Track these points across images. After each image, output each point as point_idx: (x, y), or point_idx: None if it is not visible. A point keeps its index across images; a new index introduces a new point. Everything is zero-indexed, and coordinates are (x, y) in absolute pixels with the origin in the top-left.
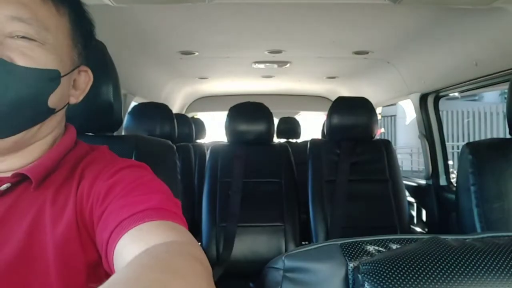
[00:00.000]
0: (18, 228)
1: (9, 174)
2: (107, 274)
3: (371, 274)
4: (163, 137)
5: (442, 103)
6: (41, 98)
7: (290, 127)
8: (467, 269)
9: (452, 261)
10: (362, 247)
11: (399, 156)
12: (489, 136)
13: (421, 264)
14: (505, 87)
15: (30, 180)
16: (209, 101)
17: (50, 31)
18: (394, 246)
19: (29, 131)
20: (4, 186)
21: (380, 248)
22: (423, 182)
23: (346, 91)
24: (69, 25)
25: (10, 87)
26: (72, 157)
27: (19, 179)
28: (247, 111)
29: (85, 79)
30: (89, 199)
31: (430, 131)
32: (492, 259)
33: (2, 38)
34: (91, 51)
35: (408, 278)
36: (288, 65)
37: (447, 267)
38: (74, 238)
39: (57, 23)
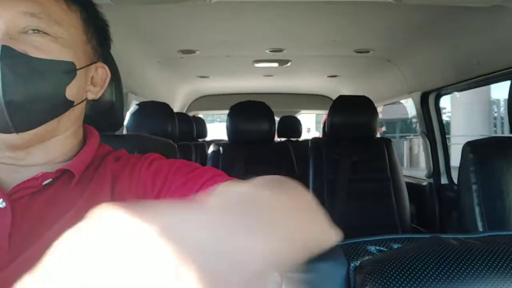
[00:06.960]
0: (58, 220)
1: (38, 170)
2: None
3: (372, 274)
4: (164, 136)
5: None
6: (59, 90)
7: (291, 126)
8: (468, 268)
9: (453, 260)
10: (363, 247)
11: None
12: None
13: (422, 264)
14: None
15: (68, 175)
16: (210, 100)
17: (62, 26)
18: (395, 246)
19: (48, 124)
20: (46, 181)
21: (382, 248)
22: (424, 180)
23: (347, 90)
24: (81, 21)
25: (26, 79)
26: (99, 154)
27: (59, 174)
28: (248, 110)
29: (102, 75)
30: (132, 189)
31: (432, 130)
32: (494, 258)
33: (16, 34)
34: (107, 50)
35: (409, 277)
36: (289, 63)
37: (448, 266)
38: None
39: (68, 19)
